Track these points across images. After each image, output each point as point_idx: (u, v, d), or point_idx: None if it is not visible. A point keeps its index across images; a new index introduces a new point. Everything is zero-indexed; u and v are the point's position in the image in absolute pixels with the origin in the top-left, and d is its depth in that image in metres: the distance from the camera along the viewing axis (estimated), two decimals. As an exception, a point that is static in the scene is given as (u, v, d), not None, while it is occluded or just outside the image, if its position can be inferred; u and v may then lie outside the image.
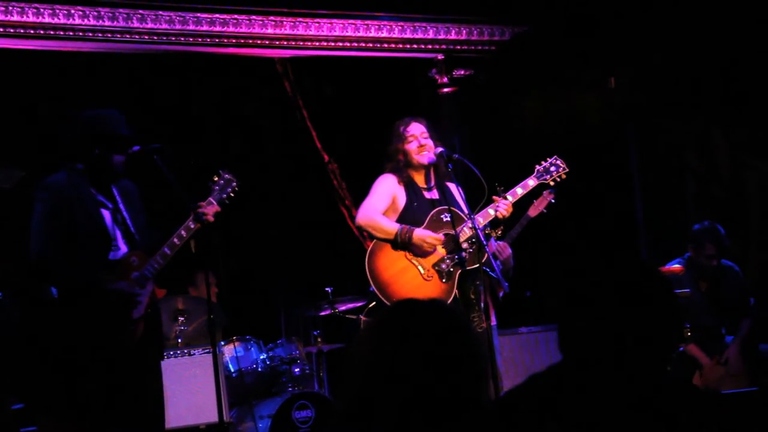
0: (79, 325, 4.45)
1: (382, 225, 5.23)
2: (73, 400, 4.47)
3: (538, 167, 5.47)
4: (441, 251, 5.23)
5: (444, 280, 5.19)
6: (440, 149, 5.31)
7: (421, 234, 5.17)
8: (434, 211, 5.28)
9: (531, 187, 5.42)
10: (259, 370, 6.72)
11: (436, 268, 5.22)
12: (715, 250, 6.56)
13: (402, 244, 5.18)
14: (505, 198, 5.28)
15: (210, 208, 4.77)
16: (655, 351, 2.13)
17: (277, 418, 6.23)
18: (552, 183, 5.47)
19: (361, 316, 6.70)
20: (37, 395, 5.05)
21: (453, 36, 8.00)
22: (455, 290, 5.18)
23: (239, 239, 7.62)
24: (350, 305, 6.90)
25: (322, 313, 6.96)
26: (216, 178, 4.88)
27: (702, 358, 6.47)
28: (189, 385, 6.15)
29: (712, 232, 6.57)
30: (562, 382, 2.15)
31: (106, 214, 4.63)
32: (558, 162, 5.48)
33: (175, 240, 4.68)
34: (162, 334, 5.01)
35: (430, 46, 7.97)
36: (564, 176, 5.48)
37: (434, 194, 5.39)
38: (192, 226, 4.71)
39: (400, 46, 7.86)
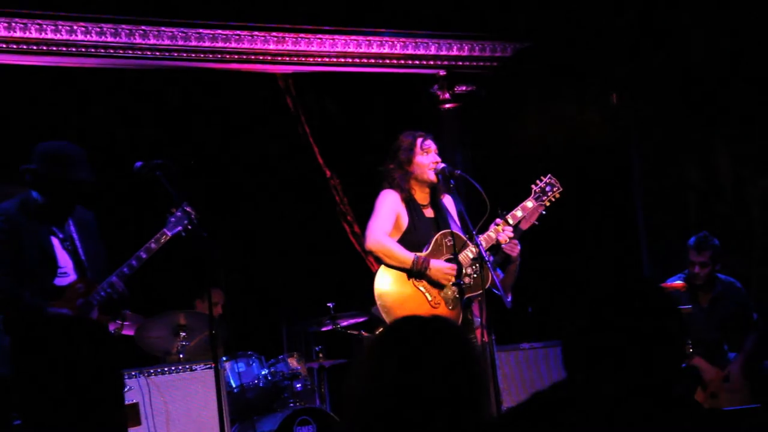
0: (20, 350, 4.46)
1: (396, 253, 5.20)
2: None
3: (534, 188, 5.47)
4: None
5: (450, 308, 5.19)
6: (442, 165, 5.30)
7: (438, 266, 5.17)
8: (438, 234, 5.26)
9: (529, 209, 5.43)
10: (261, 385, 6.70)
11: (443, 295, 5.22)
12: (707, 257, 6.51)
13: (417, 273, 5.18)
14: (507, 222, 5.31)
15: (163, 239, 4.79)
16: (659, 368, 2.12)
17: (279, 434, 6.22)
18: (548, 203, 5.50)
19: (363, 332, 6.70)
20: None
21: (455, 52, 8.02)
22: (461, 316, 5.18)
23: (240, 254, 7.62)
24: (352, 321, 6.88)
25: (324, 329, 6.94)
26: (174, 210, 4.83)
27: (708, 371, 6.44)
28: (191, 400, 6.13)
29: (704, 239, 6.52)
30: (566, 399, 2.14)
31: (56, 243, 4.66)
32: (552, 181, 5.50)
33: (125, 270, 4.68)
34: (119, 363, 5.00)
35: (432, 62, 7.99)
36: (558, 195, 5.50)
37: (431, 212, 5.39)
38: (143, 257, 4.71)
39: (402, 62, 7.87)
